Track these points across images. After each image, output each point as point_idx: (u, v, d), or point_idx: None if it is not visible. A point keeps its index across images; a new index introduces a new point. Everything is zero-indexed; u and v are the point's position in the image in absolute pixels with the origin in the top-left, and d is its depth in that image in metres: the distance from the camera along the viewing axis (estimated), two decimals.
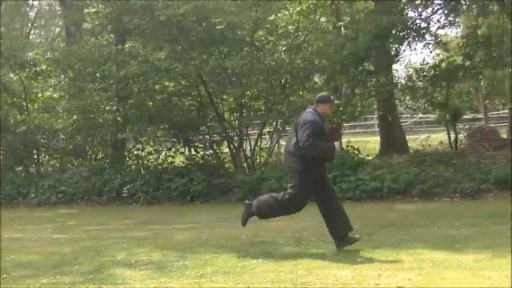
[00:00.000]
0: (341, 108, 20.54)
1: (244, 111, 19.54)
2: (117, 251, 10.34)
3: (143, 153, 20.45)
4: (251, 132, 20.81)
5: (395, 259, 8.62)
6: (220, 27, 17.89)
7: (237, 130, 19.51)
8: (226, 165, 19.46)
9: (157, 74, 18.67)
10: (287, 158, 9.73)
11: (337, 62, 18.97)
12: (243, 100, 19.19)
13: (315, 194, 9.63)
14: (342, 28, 22.12)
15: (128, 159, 20.96)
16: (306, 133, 9.18)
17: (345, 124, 26.26)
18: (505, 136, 23.89)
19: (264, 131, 20.44)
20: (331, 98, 10.01)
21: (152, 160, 20.19)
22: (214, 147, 19.69)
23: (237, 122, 19.78)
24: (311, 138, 9.14)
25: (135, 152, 20.62)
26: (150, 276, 8.37)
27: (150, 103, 19.93)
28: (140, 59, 18.51)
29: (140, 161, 20.43)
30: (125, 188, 18.46)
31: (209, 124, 19.91)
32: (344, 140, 23.77)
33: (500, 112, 41.85)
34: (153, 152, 20.33)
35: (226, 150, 19.78)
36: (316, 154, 9.31)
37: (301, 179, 9.43)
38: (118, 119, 19.65)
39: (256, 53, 18.64)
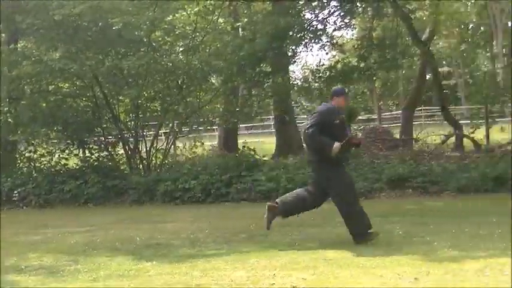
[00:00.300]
0: (237, 109, 20.61)
1: (140, 112, 19.34)
2: (6, 257, 10.02)
3: (35, 156, 19.95)
4: (147, 133, 20.60)
5: (290, 259, 8.64)
6: (116, 27, 17.61)
7: (133, 131, 19.31)
8: (122, 167, 19.22)
9: (52, 74, 18.23)
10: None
11: (235, 63, 18.99)
12: (139, 101, 18.96)
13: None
14: (240, 29, 22.18)
15: (19, 161, 20.38)
16: (310, 122, 9.31)
17: (241, 125, 26.41)
18: (397, 136, 24.40)
19: (160, 132, 20.28)
20: (346, 90, 10.17)
21: (45, 162, 19.72)
22: (110, 149, 19.42)
23: (132, 123, 19.58)
24: (312, 128, 9.21)
25: (26, 154, 20.08)
26: (42, 282, 8.15)
27: (44, 104, 19.44)
28: (33, 59, 18.01)
29: (32, 164, 19.91)
30: (15, 191, 17.95)
31: (104, 125, 19.62)
32: (240, 141, 23.90)
33: (393, 113, 42.85)
34: (45, 154, 19.87)
35: (122, 151, 19.54)
36: (314, 145, 9.38)
37: (323, 170, 9.52)
38: (9, 120, 19.10)
39: (153, 53, 18.43)
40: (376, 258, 8.36)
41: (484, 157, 17.73)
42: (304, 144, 9.79)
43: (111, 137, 19.69)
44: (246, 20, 22.50)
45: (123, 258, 9.40)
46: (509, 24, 21.78)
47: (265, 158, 19.55)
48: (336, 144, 9.20)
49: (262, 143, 28.34)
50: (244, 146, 19.44)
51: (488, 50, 52.24)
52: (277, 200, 9.95)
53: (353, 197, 9.60)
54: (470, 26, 51.94)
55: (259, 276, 7.76)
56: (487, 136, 20.89)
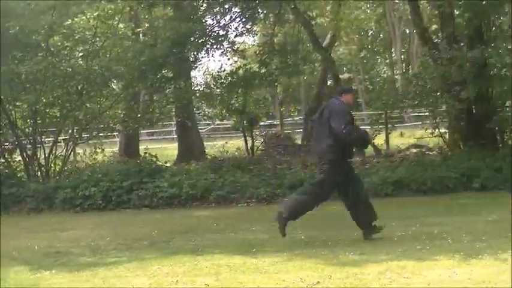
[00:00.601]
0: (139, 115, 20.40)
1: (38, 118, 18.88)
2: None
3: None
4: (46, 139, 20.14)
5: (193, 265, 8.57)
6: (12, 31, 17.17)
7: (31, 138, 18.84)
8: (19, 174, 18.68)
9: None
10: (318, 148, 10.01)
11: (135, 68, 18.74)
12: (38, 107, 18.52)
13: (343, 185, 9.92)
14: (141, 34, 21.96)
15: None
16: (341, 121, 9.54)
17: (142, 131, 26.14)
18: (299, 142, 24.58)
19: (59, 138, 19.86)
20: (352, 88, 11.28)
21: None
22: (6, 156, 18.86)
23: (30, 129, 19.10)
24: (347, 126, 9.50)
25: None
26: None
27: None
28: None
29: None
30: None
31: (0, 132, 19.06)
32: (142, 146, 23.68)
33: (295, 118, 43.22)
34: None
35: (19, 158, 19.02)
36: (354, 141, 9.82)
37: (331, 167, 9.70)
38: None
39: (51, 58, 18.04)
40: (279, 263, 8.37)
41: (384, 162, 18.04)
42: (320, 145, 10.01)
43: (7, 144, 19.15)
44: (147, 25, 22.32)
45: (20, 267, 9.13)
46: (408, 32, 22.13)
47: (167, 164, 19.39)
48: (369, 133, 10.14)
49: (164, 148, 28.19)
50: (145, 152, 19.26)
51: (387, 56, 53.53)
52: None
53: (328, 193, 10.03)
54: (370, 33, 53.09)
55: (162, 283, 7.67)
56: (387, 141, 21.25)
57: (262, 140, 22.11)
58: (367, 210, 9.95)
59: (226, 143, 22.73)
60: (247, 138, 20.82)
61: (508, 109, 18.94)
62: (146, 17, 23.63)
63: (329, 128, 9.61)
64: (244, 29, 21.65)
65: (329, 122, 9.63)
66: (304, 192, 10.18)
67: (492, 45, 17.32)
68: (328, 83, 30.71)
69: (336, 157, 9.66)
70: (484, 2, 17.07)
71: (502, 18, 19.74)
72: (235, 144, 22.84)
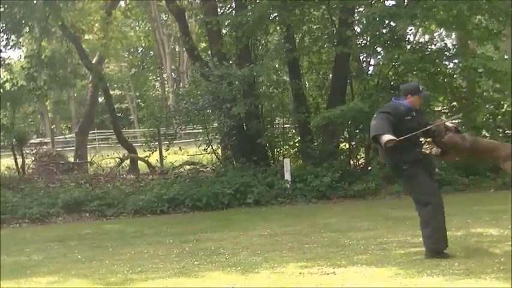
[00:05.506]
0: None
1: None
2: None
3: None
4: None
5: None
6: None
7: None
8: None
9: None
10: None
11: None
12: None
13: None
14: None
15: None
16: None
17: None
18: (72, 159, 24.06)
19: None
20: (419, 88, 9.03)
21: None
22: None
23: None
24: None
25: None
26: None
27: None
28: None
29: None
30: None
31: None
32: None
33: (67, 136, 42.30)
34: None
35: None
36: None
37: None
38: None
39: None
40: (56, 283, 8.18)
41: (159, 179, 18.07)
42: None
43: None
44: None
45: None
46: (177, 50, 22.41)
47: None
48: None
49: None
50: None
51: (158, 73, 53.87)
52: None
53: None
54: (140, 50, 53.28)
55: None
56: (161, 158, 21.19)
57: (33, 158, 21.46)
58: None
59: None
60: (17, 156, 20.10)
61: (277, 126, 19.59)
62: None
63: None
64: (10, 41, 20.91)
65: None
66: None
67: (260, 63, 17.91)
68: (100, 100, 30.47)
69: None
70: (251, 22, 17.54)
71: (268, 37, 20.47)
72: (4, 163, 21.96)
